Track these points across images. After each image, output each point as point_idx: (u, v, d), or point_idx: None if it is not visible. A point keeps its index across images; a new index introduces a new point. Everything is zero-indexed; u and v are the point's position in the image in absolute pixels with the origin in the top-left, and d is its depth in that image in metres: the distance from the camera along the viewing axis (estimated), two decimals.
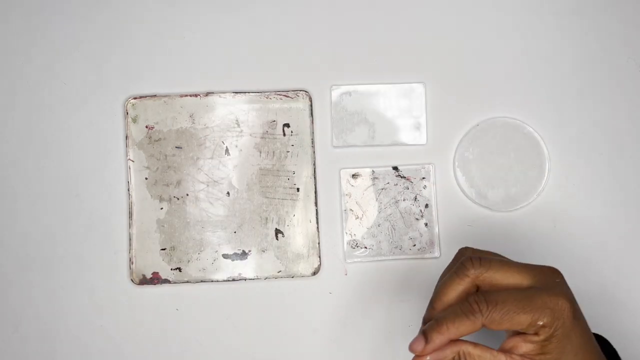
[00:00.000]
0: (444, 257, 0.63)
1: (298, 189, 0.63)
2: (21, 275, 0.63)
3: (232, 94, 0.63)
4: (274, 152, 0.63)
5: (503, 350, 0.46)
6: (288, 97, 0.63)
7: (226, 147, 0.63)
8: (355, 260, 0.63)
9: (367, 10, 0.64)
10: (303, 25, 0.64)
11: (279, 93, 0.63)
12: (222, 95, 0.63)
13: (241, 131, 0.63)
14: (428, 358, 0.46)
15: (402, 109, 0.64)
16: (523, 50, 0.64)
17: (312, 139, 0.63)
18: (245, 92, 0.63)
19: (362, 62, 0.64)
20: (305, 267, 0.63)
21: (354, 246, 0.63)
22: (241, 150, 0.63)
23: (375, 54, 0.64)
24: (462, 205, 0.63)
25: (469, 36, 0.64)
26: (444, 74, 0.64)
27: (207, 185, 0.63)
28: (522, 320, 0.44)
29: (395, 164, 0.63)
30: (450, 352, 0.45)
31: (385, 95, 0.64)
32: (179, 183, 0.63)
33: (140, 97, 0.63)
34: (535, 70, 0.64)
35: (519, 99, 0.64)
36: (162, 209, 0.63)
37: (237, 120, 0.63)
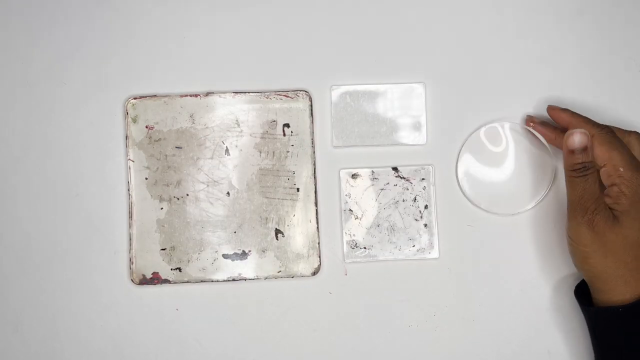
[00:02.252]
0: (443, 257, 0.63)
1: (298, 189, 0.63)
2: (21, 275, 0.63)
3: (232, 94, 0.63)
4: (274, 152, 0.63)
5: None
6: (288, 97, 0.63)
7: (226, 147, 0.63)
8: (355, 260, 0.63)
9: (367, 11, 0.64)
10: (303, 25, 0.64)
11: (279, 93, 0.63)
12: (222, 95, 0.63)
13: (241, 131, 0.63)
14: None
15: (402, 109, 0.63)
16: (523, 51, 0.64)
17: (312, 139, 0.63)
18: (245, 92, 0.63)
19: (362, 62, 0.64)
20: (305, 267, 0.63)
21: (353, 246, 0.63)
22: (241, 150, 0.63)
23: (375, 54, 0.64)
24: (461, 206, 0.63)
25: (469, 36, 0.64)
26: (444, 74, 0.64)
27: (207, 185, 0.63)
28: (614, 156, 0.56)
29: (395, 165, 0.63)
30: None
31: (385, 95, 0.63)
32: (179, 183, 0.63)
33: (140, 97, 0.63)
34: (535, 70, 0.64)
35: (519, 99, 0.64)
36: (162, 209, 0.63)
37: (237, 120, 0.63)
